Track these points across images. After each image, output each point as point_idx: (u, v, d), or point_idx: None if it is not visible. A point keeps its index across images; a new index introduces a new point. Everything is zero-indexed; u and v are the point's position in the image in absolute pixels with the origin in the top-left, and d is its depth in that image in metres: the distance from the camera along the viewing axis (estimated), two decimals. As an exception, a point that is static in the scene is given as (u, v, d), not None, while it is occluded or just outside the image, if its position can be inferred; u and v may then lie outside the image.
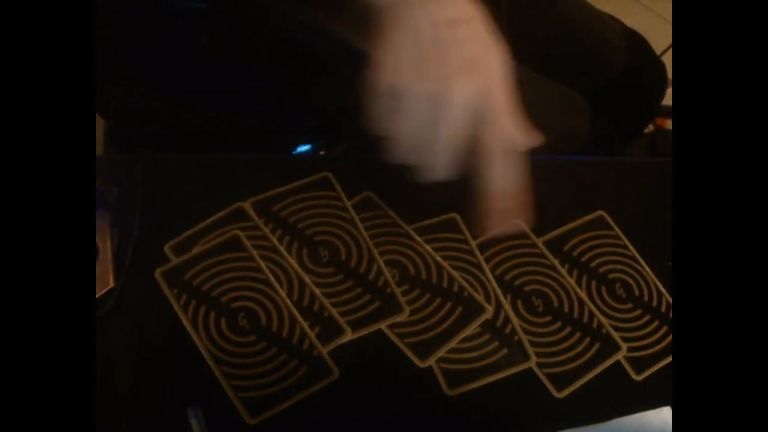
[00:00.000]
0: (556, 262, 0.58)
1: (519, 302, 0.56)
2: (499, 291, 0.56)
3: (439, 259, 0.57)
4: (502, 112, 0.51)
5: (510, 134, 0.51)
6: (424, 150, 0.50)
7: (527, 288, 0.57)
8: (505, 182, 0.51)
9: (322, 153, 0.78)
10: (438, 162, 0.50)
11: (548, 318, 0.56)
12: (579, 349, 0.54)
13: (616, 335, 0.55)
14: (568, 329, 0.55)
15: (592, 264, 0.59)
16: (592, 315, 0.56)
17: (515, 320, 0.55)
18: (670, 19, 1.57)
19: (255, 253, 0.57)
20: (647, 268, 0.58)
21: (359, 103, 0.70)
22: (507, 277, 0.57)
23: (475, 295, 0.56)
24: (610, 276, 0.58)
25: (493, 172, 0.50)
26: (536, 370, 0.53)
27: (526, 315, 0.56)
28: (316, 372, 0.52)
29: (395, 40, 0.51)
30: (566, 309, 0.56)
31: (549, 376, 0.53)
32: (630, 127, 0.94)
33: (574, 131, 0.80)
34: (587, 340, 0.55)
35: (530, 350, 0.54)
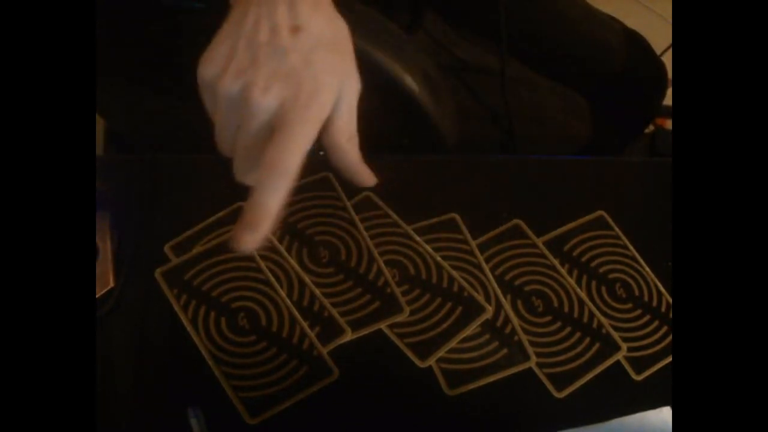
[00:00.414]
0: (556, 262, 0.58)
1: (519, 302, 0.56)
2: (499, 291, 0.56)
3: (439, 259, 0.57)
4: (338, 133, 0.49)
5: (345, 160, 0.49)
6: (229, 148, 0.49)
7: (527, 288, 0.57)
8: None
9: (321, 153, 0.78)
10: (237, 164, 0.49)
11: (548, 318, 0.56)
12: (579, 349, 0.54)
13: (616, 335, 0.55)
14: (568, 329, 0.55)
15: (592, 264, 0.59)
16: (592, 315, 0.56)
17: (515, 320, 0.55)
18: (670, 19, 1.57)
19: (255, 253, 0.57)
20: (647, 268, 0.58)
21: (360, 103, 0.69)
22: (507, 277, 0.57)
23: (475, 295, 0.56)
24: (610, 276, 0.58)
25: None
26: (536, 370, 0.53)
27: (526, 315, 0.56)
28: (316, 372, 0.52)
29: (233, 29, 0.49)
30: (566, 309, 0.56)
31: (549, 376, 0.53)
32: (630, 127, 0.94)
33: (574, 131, 0.80)
34: (587, 340, 0.55)
35: (530, 350, 0.54)
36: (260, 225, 0.48)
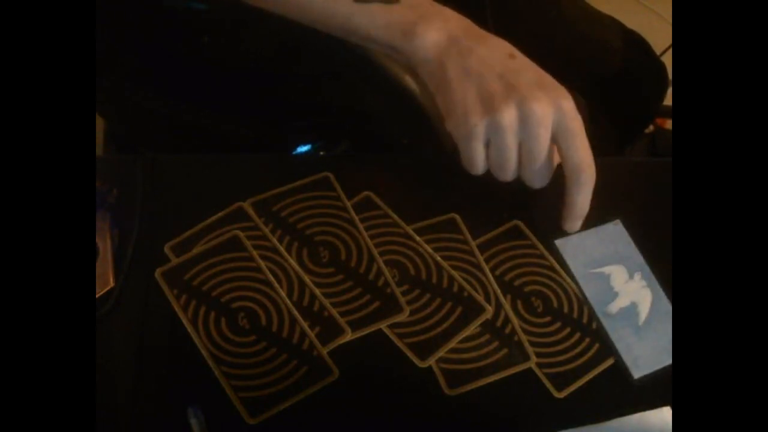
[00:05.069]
0: (554, 263, 0.58)
1: (519, 302, 0.56)
2: (499, 291, 0.56)
3: (439, 259, 0.57)
4: (580, 131, 0.54)
5: (584, 154, 0.54)
6: (512, 171, 0.55)
7: (527, 288, 0.57)
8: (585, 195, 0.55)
9: (322, 153, 0.78)
10: (533, 176, 0.55)
11: (548, 318, 0.56)
12: (579, 349, 0.54)
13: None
14: (568, 329, 0.55)
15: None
16: (591, 316, 0.56)
17: (515, 321, 0.55)
18: (670, 19, 1.57)
19: (255, 253, 0.57)
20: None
21: (360, 104, 0.70)
22: (506, 278, 0.57)
23: (475, 295, 0.56)
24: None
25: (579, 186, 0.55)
26: (536, 370, 0.53)
27: (526, 315, 0.56)
28: (316, 372, 0.52)
29: (455, 89, 0.54)
30: (566, 310, 0.56)
31: (549, 376, 0.53)
32: (630, 127, 0.94)
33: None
34: (587, 340, 0.55)
35: (530, 350, 0.54)
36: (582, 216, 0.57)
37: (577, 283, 0.57)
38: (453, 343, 0.54)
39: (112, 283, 0.55)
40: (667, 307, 0.56)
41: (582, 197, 0.56)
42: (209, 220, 0.59)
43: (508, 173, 0.55)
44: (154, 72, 0.76)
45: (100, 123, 0.86)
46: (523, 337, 0.54)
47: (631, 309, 0.56)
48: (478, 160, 0.55)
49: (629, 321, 0.55)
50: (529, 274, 0.58)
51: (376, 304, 0.55)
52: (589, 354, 0.54)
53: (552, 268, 0.58)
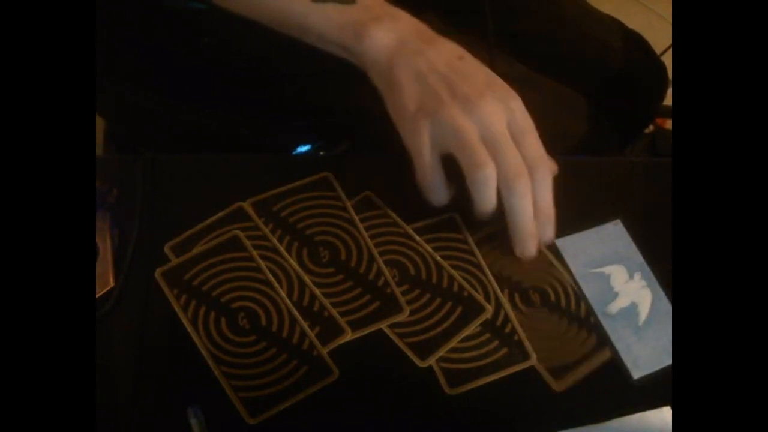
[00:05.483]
0: (553, 258, 0.58)
1: (516, 296, 0.56)
2: (498, 290, 0.56)
3: (439, 258, 0.57)
4: (532, 129, 0.53)
5: (540, 150, 0.53)
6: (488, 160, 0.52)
7: (525, 284, 0.57)
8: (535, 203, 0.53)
9: (322, 153, 0.78)
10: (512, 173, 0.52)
11: (545, 310, 0.56)
12: (577, 341, 0.55)
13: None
14: (566, 321, 0.55)
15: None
16: (588, 310, 0.56)
17: (515, 319, 0.55)
18: (670, 19, 1.57)
19: (255, 253, 0.57)
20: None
21: (360, 104, 0.70)
22: (505, 273, 0.57)
23: (475, 294, 0.56)
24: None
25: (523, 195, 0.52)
26: (536, 365, 0.53)
27: (523, 307, 0.56)
28: (316, 372, 0.52)
29: (403, 90, 0.54)
30: (563, 304, 0.56)
31: (548, 369, 0.53)
32: (630, 127, 0.94)
33: (573, 131, 0.80)
34: (585, 331, 0.55)
35: (530, 349, 0.54)
36: (552, 218, 0.54)
37: (576, 282, 0.57)
38: (453, 343, 0.54)
39: (112, 283, 0.55)
40: (667, 307, 0.56)
41: (543, 195, 0.54)
42: (209, 220, 0.59)
43: (483, 176, 0.52)
44: (154, 72, 0.76)
45: (100, 123, 0.86)
46: (523, 336, 0.54)
47: (631, 309, 0.56)
48: (429, 168, 0.53)
49: (629, 321, 0.55)
50: (529, 272, 0.58)
51: (376, 304, 0.55)
52: (588, 345, 0.54)
53: (551, 264, 0.58)
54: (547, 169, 0.54)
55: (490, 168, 0.51)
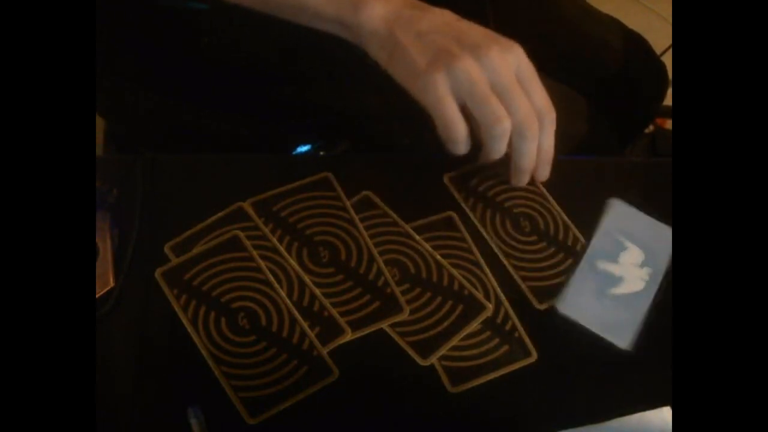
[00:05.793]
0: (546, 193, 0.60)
1: (508, 222, 0.59)
2: (498, 289, 0.56)
3: (438, 257, 0.57)
4: (537, 76, 0.55)
5: (546, 97, 0.55)
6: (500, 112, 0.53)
7: (516, 210, 0.60)
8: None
9: (322, 153, 0.78)
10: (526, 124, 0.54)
11: (534, 237, 0.58)
12: (559, 266, 0.57)
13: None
14: (553, 249, 0.58)
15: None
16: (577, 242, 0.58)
17: (515, 318, 0.55)
18: (670, 19, 1.57)
19: (255, 253, 0.57)
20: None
21: (360, 104, 0.70)
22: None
23: (475, 293, 0.56)
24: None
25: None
26: (523, 286, 0.55)
27: (506, 236, 0.58)
28: (316, 372, 0.52)
29: (410, 52, 0.54)
30: (551, 231, 0.59)
31: (532, 290, 0.56)
32: (630, 127, 0.94)
33: (573, 131, 0.80)
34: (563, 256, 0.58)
35: (531, 347, 0.54)
36: (551, 160, 0.57)
37: (590, 236, 0.58)
38: (454, 341, 0.54)
39: (112, 283, 0.55)
40: (644, 305, 0.56)
41: (548, 140, 0.56)
42: (209, 220, 0.59)
43: (502, 130, 0.53)
44: (154, 72, 0.76)
45: (100, 123, 0.86)
46: (524, 334, 0.55)
47: (616, 279, 0.57)
48: (454, 120, 0.53)
49: (605, 283, 0.56)
50: (519, 197, 0.61)
51: (376, 304, 0.55)
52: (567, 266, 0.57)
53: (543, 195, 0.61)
54: (553, 115, 0.56)
55: (507, 122, 0.53)
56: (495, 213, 0.59)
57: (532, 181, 0.60)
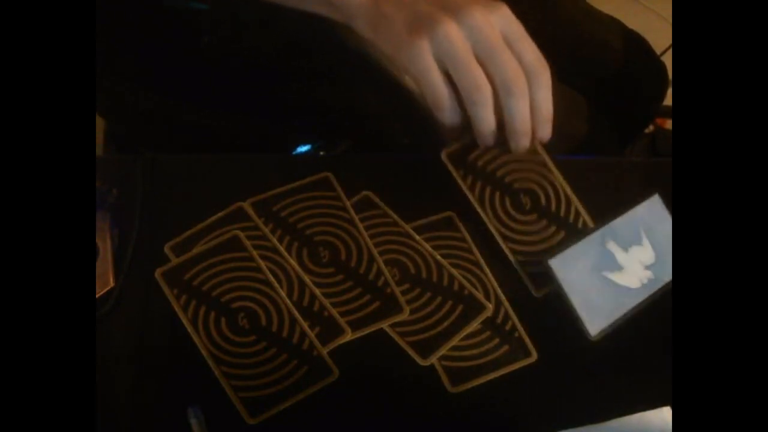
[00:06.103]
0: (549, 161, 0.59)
1: (508, 199, 0.59)
2: (498, 289, 0.56)
3: (438, 257, 0.57)
4: (526, 33, 0.54)
5: (537, 54, 0.54)
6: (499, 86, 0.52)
7: (516, 185, 0.59)
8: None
9: (322, 153, 0.78)
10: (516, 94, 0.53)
11: (534, 215, 0.58)
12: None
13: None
14: (554, 227, 0.58)
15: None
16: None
17: (515, 318, 0.55)
18: (670, 19, 1.57)
19: (255, 253, 0.57)
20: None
21: (360, 104, 0.70)
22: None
23: (475, 293, 0.56)
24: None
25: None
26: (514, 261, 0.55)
27: (504, 215, 0.58)
28: (316, 372, 0.52)
29: (393, 21, 0.53)
30: (553, 207, 0.58)
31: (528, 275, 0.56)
32: (630, 127, 0.94)
33: (573, 131, 0.80)
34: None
35: (531, 346, 0.54)
36: (549, 118, 0.55)
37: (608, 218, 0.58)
38: (455, 341, 0.54)
39: (112, 283, 0.55)
40: (635, 305, 0.56)
41: (542, 97, 0.54)
42: (209, 220, 0.59)
43: (483, 97, 0.52)
44: (154, 72, 0.76)
45: (100, 123, 0.86)
46: (524, 334, 0.55)
47: (617, 267, 0.56)
48: (438, 86, 0.53)
49: (609, 265, 0.56)
50: (520, 170, 0.60)
51: (376, 304, 0.55)
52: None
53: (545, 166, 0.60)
54: (546, 71, 0.54)
55: (487, 89, 0.52)
56: (495, 191, 0.58)
57: (535, 151, 0.58)
